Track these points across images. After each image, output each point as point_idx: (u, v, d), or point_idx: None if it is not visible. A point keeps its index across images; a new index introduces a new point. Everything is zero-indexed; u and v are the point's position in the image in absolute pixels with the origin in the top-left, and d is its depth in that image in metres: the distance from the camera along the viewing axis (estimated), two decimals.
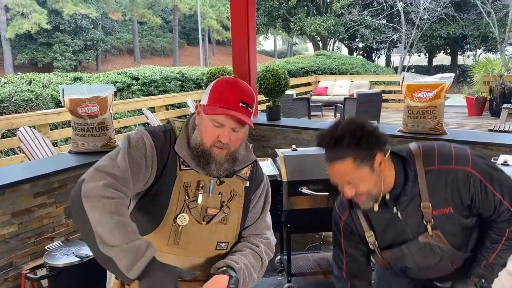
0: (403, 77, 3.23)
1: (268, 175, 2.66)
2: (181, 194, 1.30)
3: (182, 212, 1.30)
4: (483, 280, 1.38)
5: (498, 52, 17.82)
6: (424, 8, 17.50)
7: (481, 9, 16.15)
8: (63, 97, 2.84)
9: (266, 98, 4.07)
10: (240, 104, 1.25)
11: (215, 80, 1.34)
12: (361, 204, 1.36)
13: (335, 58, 15.29)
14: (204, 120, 1.28)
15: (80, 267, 2.14)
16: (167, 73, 9.42)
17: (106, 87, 2.96)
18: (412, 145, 1.41)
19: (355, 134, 1.25)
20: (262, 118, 4.14)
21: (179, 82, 9.37)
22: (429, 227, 1.37)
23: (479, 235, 1.44)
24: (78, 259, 2.15)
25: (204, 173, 1.32)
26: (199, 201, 1.31)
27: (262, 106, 6.58)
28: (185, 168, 1.31)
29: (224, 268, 1.27)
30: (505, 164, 2.28)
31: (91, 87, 2.98)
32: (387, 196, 1.37)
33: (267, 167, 2.91)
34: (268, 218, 1.50)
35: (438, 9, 18.25)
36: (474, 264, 1.42)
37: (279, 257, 3.05)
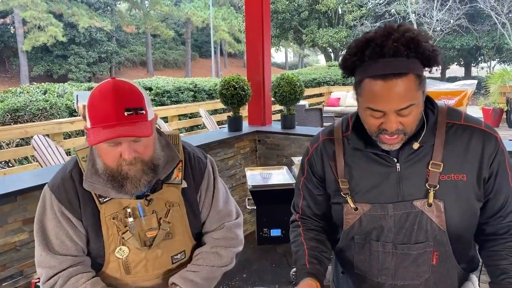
0: None
1: (284, 184, 2.64)
2: (112, 228, 1.20)
3: (120, 245, 1.21)
4: None
5: None
6: (437, 20, 17.41)
7: (496, 20, 15.99)
8: (77, 103, 2.82)
9: (280, 108, 4.01)
10: (126, 113, 1.05)
11: (90, 93, 1.11)
12: (394, 143, 1.06)
13: None
14: (98, 144, 1.09)
15: None
16: (180, 83, 9.45)
17: None
18: (437, 101, 1.18)
19: (429, 41, 0.99)
20: (277, 126, 4.08)
21: (192, 93, 9.39)
22: (431, 193, 1.08)
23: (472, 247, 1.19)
24: None
25: (126, 197, 1.18)
26: (132, 229, 1.20)
27: (277, 116, 6.55)
28: (104, 200, 1.19)
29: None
30: None
31: None
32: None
33: (282, 175, 2.85)
34: (223, 203, 1.36)
35: (451, 21, 18.14)
36: (499, 269, 1.11)
37: (294, 269, 2.95)
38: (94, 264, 1.26)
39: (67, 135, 6.17)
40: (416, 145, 1.10)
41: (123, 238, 1.20)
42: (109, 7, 30.19)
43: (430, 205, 1.10)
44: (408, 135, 1.06)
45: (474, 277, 1.26)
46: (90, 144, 1.08)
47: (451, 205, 1.10)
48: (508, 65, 18.83)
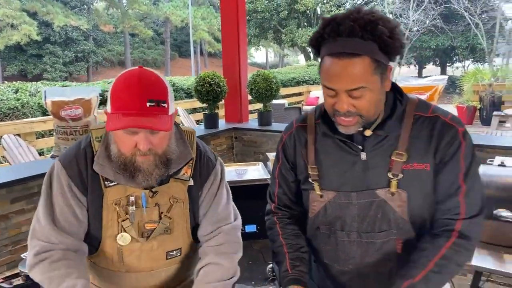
0: (395, 79, 3.18)
1: (259, 179, 2.62)
2: (113, 214, 1.18)
3: (121, 232, 1.19)
4: None
5: (486, 63, 18.07)
6: (413, 20, 17.74)
7: (469, 21, 16.40)
8: (45, 99, 2.73)
9: (257, 107, 4.00)
10: (148, 104, 1.04)
11: (115, 78, 1.10)
12: (348, 125, 1.05)
13: None
14: (116, 131, 1.08)
15: None
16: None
17: (91, 89, 2.86)
18: (410, 94, 1.18)
19: (389, 26, 0.97)
20: (253, 123, 4.06)
21: None
22: (393, 182, 1.08)
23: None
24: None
25: (134, 186, 1.16)
26: (132, 219, 1.18)
27: (254, 115, 6.56)
28: (110, 184, 1.17)
29: None
30: (502, 165, 2.22)
31: (74, 89, 2.89)
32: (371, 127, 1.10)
33: (258, 171, 2.83)
34: (223, 206, 1.32)
35: (427, 21, 18.52)
36: (396, 279, 1.07)
37: (270, 265, 2.94)
38: (90, 250, 1.23)
39: (40, 135, 6.01)
40: (368, 132, 1.10)
41: (122, 226, 1.18)
42: (85, 6, 29.59)
43: (392, 194, 1.09)
44: (365, 119, 1.05)
45: None
46: (108, 130, 1.07)
47: (415, 195, 1.10)
48: (481, 64, 19.32)
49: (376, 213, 1.12)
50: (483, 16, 17.34)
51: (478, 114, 9.81)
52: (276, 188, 1.31)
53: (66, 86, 8.75)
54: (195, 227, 1.31)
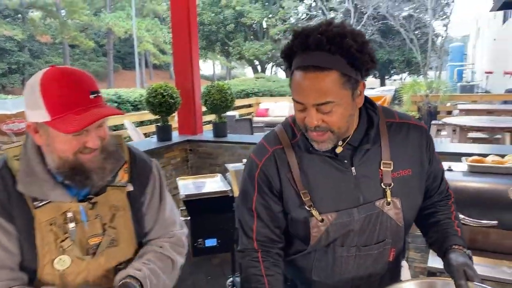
0: None
1: (218, 191, 2.57)
2: (49, 236, 1.06)
3: (60, 255, 1.07)
4: (468, 252, 1.13)
5: (422, 76, 19.35)
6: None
7: (405, 37, 17.51)
8: None
9: (210, 118, 3.96)
10: (91, 96, 1.00)
11: (34, 82, 1.00)
12: (320, 142, 1.04)
13: (274, 81, 15.69)
14: (58, 136, 1.00)
15: None
16: (102, 94, 8.99)
17: None
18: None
19: (358, 40, 0.96)
20: (208, 135, 4.00)
21: (115, 104, 8.98)
22: (388, 192, 1.09)
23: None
24: None
25: (67, 200, 1.07)
26: (73, 236, 1.07)
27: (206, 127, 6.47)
28: (39, 204, 1.05)
29: (127, 280, 1.08)
30: (449, 169, 2.34)
31: (16, 101, 2.69)
32: (339, 143, 1.09)
33: (216, 183, 2.78)
34: (169, 211, 1.27)
35: (366, 36, 19.56)
36: (447, 234, 1.16)
37: (231, 279, 2.88)
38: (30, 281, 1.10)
39: None
40: (339, 149, 1.09)
41: (61, 247, 1.07)
42: (20, 15, 27.98)
43: (388, 203, 1.11)
44: (337, 134, 1.04)
45: (405, 263, 1.35)
46: (72, 131, 0.97)
47: (405, 200, 1.13)
48: (417, 77, 20.64)
49: (374, 225, 1.12)
50: (417, 32, 18.62)
51: None
52: (255, 222, 1.16)
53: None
54: (140, 237, 1.23)
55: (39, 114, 0.98)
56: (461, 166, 2.33)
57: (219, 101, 3.65)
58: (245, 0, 20.87)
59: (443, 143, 6.01)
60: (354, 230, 1.11)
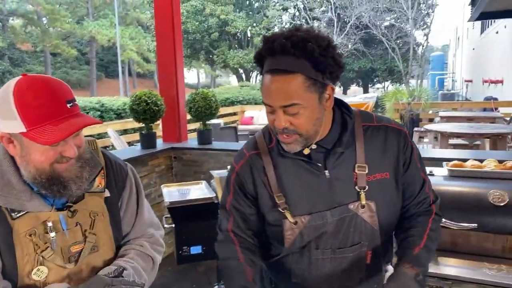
0: None
1: (203, 198, 2.56)
2: (28, 247, 1.05)
3: (39, 265, 1.06)
4: (420, 273, 1.10)
5: (404, 84, 19.71)
6: (337, 44, 18.91)
7: (387, 45, 17.83)
8: None
9: (194, 127, 3.95)
10: (68, 105, 0.99)
11: (6, 91, 0.98)
12: (288, 144, 1.07)
13: (258, 89, 15.73)
14: (34, 147, 0.98)
15: None
16: (85, 103, 8.88)
17: None
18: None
19: (321, 44, 0.99)
20: (193, 142, 3.99)
21: (98, 113, 8.87)
22: (362, 195, 1.11)
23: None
24: None
25: (46, 210, 1.06)
26: (54, 245, 1.07)
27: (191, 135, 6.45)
28: (17, 215, 1.04)
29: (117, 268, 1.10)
30: (431, 174, 2.38)
31: None
32: (313, 146, 1.12)
33: (201, 190, 2.77)
34: (147, 214, 1.29)
35: (349, 45, 19.82)
36: (402, 252, 1.16)
37: (216, 287, 2.86)
38: None
39: None
40: (306, 151, 1.12)
41: (42, 257, 1.06)
42: (0, 23, 27.55)
43: (363, 206, 1.12)
44: (304, 137, 1.06)
45: (390, 267, 1.32)
46: (52, 143, 0.95)
47: (381, 204, 1.14)
48: (399, 85, 21.02)
49: (348, 227, 1.13)
50: (398, 41, 18.98)
51: None
52: (229, 222, 1.22)
53: None
54: (118, 241, 1.23)
55: (14, 125, 0.96)
56: (442, 171, 2.38)
57: (204, 108, 3.65)
58: (229, 9, 21.00)
59: (425, 149, 6.12)
60: (328, 233, 1.13)
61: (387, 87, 22.68)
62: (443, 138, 4.87)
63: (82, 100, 9.36)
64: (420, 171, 1.22)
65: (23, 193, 1.03)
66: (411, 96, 10.78)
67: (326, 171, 1.12)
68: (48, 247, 1.06)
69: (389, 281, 1.11)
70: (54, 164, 1.01)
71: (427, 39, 18.06)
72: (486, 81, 13.47)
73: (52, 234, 1.06)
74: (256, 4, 23.62)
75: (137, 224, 1.26)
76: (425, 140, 7.54)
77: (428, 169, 2.44)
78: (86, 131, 7.34)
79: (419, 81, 15.93)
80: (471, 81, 17.84)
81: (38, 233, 1.06)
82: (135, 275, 1.14)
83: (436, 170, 2.42)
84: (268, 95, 1.03)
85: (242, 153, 1.22)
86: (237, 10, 22.35)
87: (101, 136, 7.69)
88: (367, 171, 1.12)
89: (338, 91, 28.05)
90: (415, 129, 8.49)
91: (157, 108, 3.57)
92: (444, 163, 2.41)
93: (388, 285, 1.10)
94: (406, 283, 1.07)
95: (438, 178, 2.30)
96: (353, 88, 28.10)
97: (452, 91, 18.22)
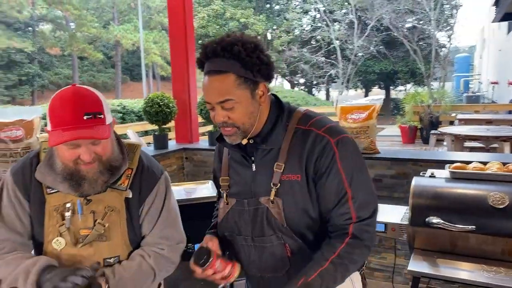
0: (337, 100, 3.37)
1: (208, 197, 2.63)
2: (52, 219, 1.27)
3: (57, 236, 1.27)
4: None
5: (426, 87, 19.35)
6: (358, 46, 18.74)
7: (408, 47, 17.57)
8: None
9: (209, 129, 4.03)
10: (85, 117, 1.15)
11: (52, 98, 1.21)
12: (229, 136, 1.20)
13: (277, 91, 15.78)
14: (58, 145, 1.19)
15: None
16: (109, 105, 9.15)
17: (33, 110, 2.78)
18: (301, 108, 1.30)
19: (247, 46, 1.12)
20: (204, 143, 4.09)
21: (120, 115, 9.12)
22: (272, 191, 1.20)
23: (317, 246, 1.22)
24: None
25: (76, 194, 1.26)
26: (67, 224, 1.26)
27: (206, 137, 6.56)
28: (51, 191, 1.28)
29: (101, 274, 1.24)
30: (432, 176, 2.39)
31: (16, 109, 2.80)
32: (251, 141, 1.24)
33: (207, 189, 2.85)
34: (168, 226, 1.38)
35: (371, 47, 19.63)
36: (289, 282, 1.14)
37: (222, 285, 2.92)
38: (35, 252, 1.32)
39: None
40: (244, 141, 1.23)
41: (59, 230, 1.26)
42: (30, 28, 28.57)
43: (272, 201, 1.21)
44: (242, 129, 1.19)
45: (356, 275, 1.30)
46: (50, 145, 1.18)
47: (288, 203, 1.21)
48: (422, 87, 20.65)
49: (262, 219, 1.24)
50: (420, 43, 18.66)
51: (420, 134, 10.43)
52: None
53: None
54: (134, 241, 1.35)
55: (48, 123, 1.18)
56: (444, 173, 2.38)
57: None
58: (249, 13, 21.13)
59: (434, 151, 6.03)
60: (246, 220, 1.27)
61: (409, 90, 22.29)
62: (457, 141, 4.80)
63: None
64: (342, 183, 1.16)
65: (58, 175, 1.23)
66: (431, 98, 10.61)
67: (254, 164, 1.26)
68: (63, 224, 1.26)
69: None
70: (77, 163, 1.20)
71: (450, 40, 17.69)
72: (510, 83, 13.09)
73: (67, 214, 1.25)
74: (276, 7, 23.67)
75: (154, 232, 1.36)
76: (444, 143, 7.41)
77: (429, 171, 2.46)
78: None
79: (441, 83, 15.62)
80: (497, 83, 17.34)
81: (61, 210, 1.26)
82: (125, 283, 1.26)
83: (438, 172, 2.42)
84: (206, 93, 1.17)
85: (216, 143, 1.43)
86: (257, 13, 22.47)
87: (122, 137, 7.88)
88: (282, 170, 1.20)
89: (360, 93, 27.77)
90: (432, 131, 8.36)
91: (169, 110, 3.68)
92: (447, 165, 2.41)
93: None
94: None
95: (440, 180, 2.30)
96: (375, 90, 27.73)
97: (477, 93, 17.73)
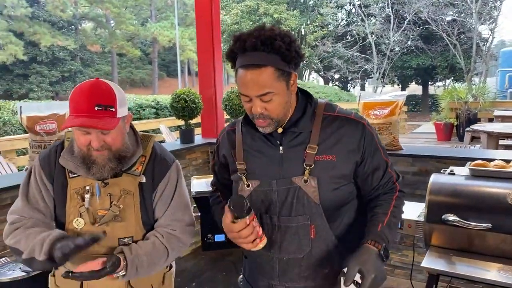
0: (360, 95, 3.35)
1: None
2: (73, 201, 1.39)
3: (77, 217, 1.39)
4: (381, 249, 1.21)
5: (465, 82, 18.60)
6: (394, 40, 18.26)
7: (448, 42, 16.96)
8: (20, 115, 2.82)
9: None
10: (96, 108, 1.25)
11: (74, 87, 1.33)
12: (263, 126, 1.25)
13: (309, 87, 15.68)
14: (74, 129, 1.32)
15: (26, 282, 2.09)
16: (142, 100, 9.44)
17: (65, 104, 2.94)
18: (320, 99, 1.39)
19: (285, 40, 1.17)
20: None
21: (154, 110, 9.39)
22: (307, 171, 1.25)
23: (353, 221, 1.36)
24: (24, 273, 2.10)
25: (91, 177, 1.36)
26: (86, 205, 1.38)
27: None
28: (73, 176, 1.40)
29: (119, 251, 1.34)
30: (452, 173, 2.35)
31: (50, 104, 2.98)
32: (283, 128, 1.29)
33: None
34: (177, 209, 1.47)
35: (408, 42, 19.06)
36: (368, 229, 1.28)
37: (242, 275, 3.00)
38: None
39: (22, 152, 6.03)
40: (280, 130, 1.29)
41: (79, 211, 1.38)
42: (73, 26, 29.80)
43: (306, 181, 1.26)
44: (276, 120, 1.24)
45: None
46: (61, 128, 1.37)
47: (324, 181, 1.27)
48: (461, 83, 19.86)
49: (292, 198, 1.28)
50: (461, 37, 17.93)
51: (456, 131, 10.09)
52: (214, 179, 1.57)
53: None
54: (146, 224, 1.45)
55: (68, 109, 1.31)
56: (464, 170, 2.33)
57: (238, 105, 3.81)
58: (282, 8, 21.05)
59: (457, 149, 5.82)
60: (274, 199, 1.30)
61: (448, 85, 21.48)
62: (490, 139, 4.63)
63: (139, 98, 9.96)
64: (382, 155, 1.35)
65: (78, 160, 1.35)
66: (470, 94, 10.21)
67: (281, 147, 1.30)
68: (83, 205, 1.38)
69: (353, 256, 1.20)
70: (90, 149, 1.30)
71: (493, 34, 16.88)
72: None
73: (87, 196, 1.38)
74: (310, 2, 23.44)
75: (166, 214, 1.46)
76: (481, 141, 7.14)
77: (450, 169, 2.42)
78: (141, 127, 7.85)
79: (482, 78, 14.96)
80: None
81: (81, 193, 1.38)
82: (140, 259, 1.35)
83: (459, 170, 2.38)
84: (244, 87, 1.19)
85: (224, 130, 1.49)
86: (291, 8, 22.35)
87: (155, 131, 8.16)
88: (316, 152, 1.27)
89: (396, 89, 27.00)
90: (467, 128, 8.07)
91: (194, 106, 3.79)
92: (468, 162, 2.37)
93: (350, 259, 1.19)
94: (368, 258, 1.18)
95: (459, 178, 2.26)
96: (412, 86, 26.90)
97: None
